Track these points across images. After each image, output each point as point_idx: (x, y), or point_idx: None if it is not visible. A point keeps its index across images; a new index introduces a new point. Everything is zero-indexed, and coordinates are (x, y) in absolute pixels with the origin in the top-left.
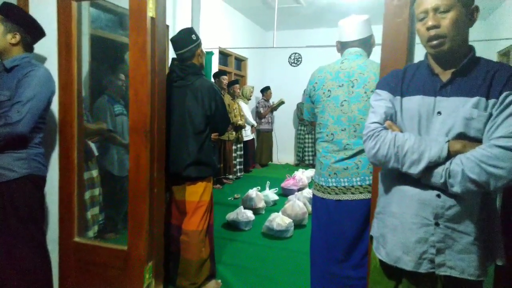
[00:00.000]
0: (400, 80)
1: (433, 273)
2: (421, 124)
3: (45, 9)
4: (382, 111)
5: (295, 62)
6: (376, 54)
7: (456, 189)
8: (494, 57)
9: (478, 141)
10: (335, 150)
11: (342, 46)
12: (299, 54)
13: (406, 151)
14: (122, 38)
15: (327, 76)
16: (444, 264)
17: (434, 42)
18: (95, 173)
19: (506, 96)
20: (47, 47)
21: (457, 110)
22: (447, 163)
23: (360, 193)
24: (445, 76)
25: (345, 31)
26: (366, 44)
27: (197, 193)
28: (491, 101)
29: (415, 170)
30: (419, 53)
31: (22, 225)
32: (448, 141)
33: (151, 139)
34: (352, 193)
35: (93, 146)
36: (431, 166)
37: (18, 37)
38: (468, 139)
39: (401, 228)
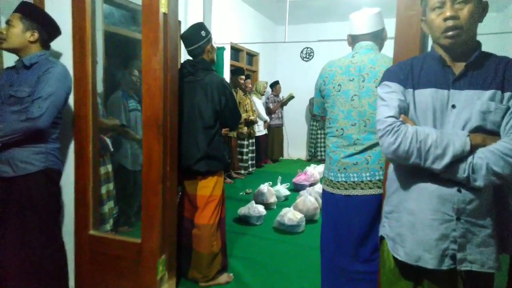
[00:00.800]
0: (409, 72)
1: (453, 269)
2: (436, 118)
3: (60, 6)
4: (395, 104)
5: (307, 56)
6: (388, 47)
7: (479, 183)
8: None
9: (494, 134)
10: (345, 145)
11: (353, 40)
12: (311, 49)
13: (429, 145)
14: (135, 34)
15: (337, 70)
16: (465, 259)
17: (451, 33)
18: (110, 167)
19: None
20: (62, 43)
21: (472, 103)
22: (470, 157)
23: (370, 188)
24: (457, 68)
25: (356, 24)
26: (377, 37)
27: (208, 187)
28: (507, 94)
29: (439, 165)
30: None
31: (38, 218)
32: (469, 134)
33: (163, 134)
34: (362, 188)
35: (108, 141)
36: (453, 161)
37: (36, 35)
38: (485, 132)
39: (421, 225)
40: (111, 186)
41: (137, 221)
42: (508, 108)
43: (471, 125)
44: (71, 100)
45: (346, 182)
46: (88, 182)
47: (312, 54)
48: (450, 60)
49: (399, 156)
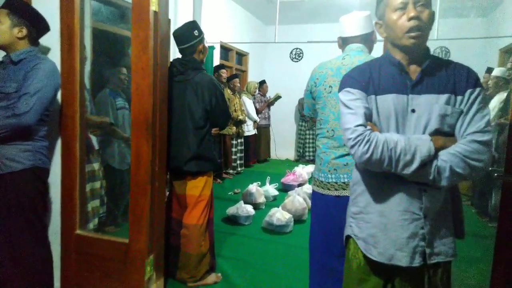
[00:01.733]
0: (369, 77)
1: (423, 264)
2: (398, 122)
3: (47, 2)
4: (362, 112)
5: (297, 57)
6: (377, 50)
7: (443, 183)
8: (496, 54)
9: (450, 135)
10: (336, 146)
11: (344, 42)
12: (301, 50)
13: (399, 153)
14: (123, 31)
15: (328, 72)
16: (433, 253)
17: (414, 33)
18: (96, 166)
19: (471, 93)
20: (50, 40)
21: (431, 107)
22: (435, 161)
23: None
24: (412, 73)
25: (346, 27)
26: (367, 40)
27: (198, 187)
28: (459, 98)
29: (409, 170)
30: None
31: (24, 217)
32: (431, 139)
33: (152, 133)
34: None
35: (93, 139)
36: (420, 165)
37: (24, 31)
38: (442, 134)
39: (392, 225)
40: (97, 184)
41: (124, 221)
42: (461, 111)
43: (430, 128)
44: (59, 97)
45: (336, 183)
46: (75, 181)
47: (301, 55)
48: (407, 64)
49: (372, 164)
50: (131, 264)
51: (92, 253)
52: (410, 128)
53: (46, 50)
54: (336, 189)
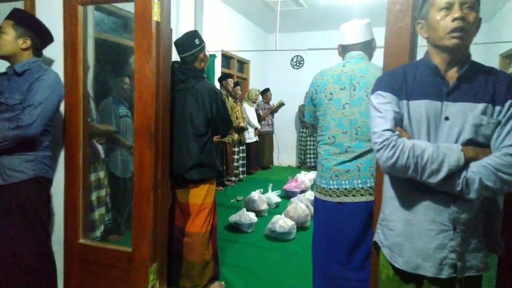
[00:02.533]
0: (402, 81)
1: (453, 277)
2: (430, 129)
3: (51, 13)
4: (391, 116)
5: (297, 64)
6: (377, 57)
7: (472, 195)
8: (496, 60)
9: (485, 146)
10: (337, 153)
11: (344, 50)
12: (301, 57)
13: (426, 161)
14: (126, 41)
15: (328, 79)
16: (465, 266)
17: (457, 34)
18: (102, 174)
19: (511, 105)
20: (53, 50)
21: (465, 115)
22: (464, 172)
23: (362, 195)
24: (451, 78)
25: (346, 35)
26: (367, 47)
27: (200, 195)
28: (497, 108)
29: (435, 179)
30: (421, 56)
31: (28, 226)
32: (462, 149)
33: (155, 141)
34: (354, 195)
35: (100, 148)
36: (448, 175)
37: (28, 42)
38: (476, 144)
39: (419, 235)
40: (102, 192)
41: (127, 229)
42: (499, 123)
43: (463, 138)
44: (62, 108)
45: (338, 189)
46: (78, 190)
47: (302, 62)
48: (444, 69)
49: (397, 170)
50: (134, 273)
51: (96, 261)
52: (442, 136)
53: (50, 61)
54: (338, 196)
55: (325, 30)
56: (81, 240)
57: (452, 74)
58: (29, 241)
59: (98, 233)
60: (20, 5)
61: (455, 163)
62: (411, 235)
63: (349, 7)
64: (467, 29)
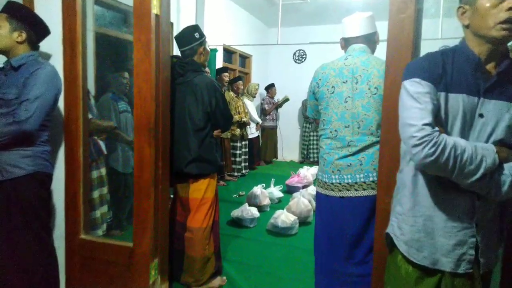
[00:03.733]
0: (441, 70)
1: (470, 272)
2: (464, 125)
3: (50, 7)
4: (431, 108)
5: (300, 59)
6: (380, 51)
7: (500, 197)
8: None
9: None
10: (339, 147)
11: (346, 43)
12: (304, 51)
13: (465, 161)
14: (126, 36)
15: (330, 72)
16: (487, 262)
17: (508, 26)
18: (103, 171)
19: None
20: (52, 44)
21: (500, 115)
22: (496, 173)
23: (364, 189)
24: (489, 74)
25: (349, 28)
26: (370, 40)
27: (200, 190)
28: None
29: (469, 180)
30: (425, 50)
31: (27, 222)
32: (497, 151)
33: (155, 136)
34: (356, 190)
35: (102, 144)
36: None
37: (24, 35)
38: (505, 145)
39: (440, 231)
40: (104, 190)
41: (129, 225)
42: None
43: (495, 137)
44: (61, 102)
45: (340, 183)
46: (79, 186)
47: (304, 56)
48: (484, 61)
49: (434, 168)
50: (135, 268)
51: (97, 257)
52: (473, 134)
53: (48, 55)
54: (340, 190)
55: (327, 24)
56: (82, 236)
57: (490, 69)
58: (28, 237)
59: (100, 232)
60: None
61: (491, 165)
62: (432, 231)
63: (351, 1)
64: None
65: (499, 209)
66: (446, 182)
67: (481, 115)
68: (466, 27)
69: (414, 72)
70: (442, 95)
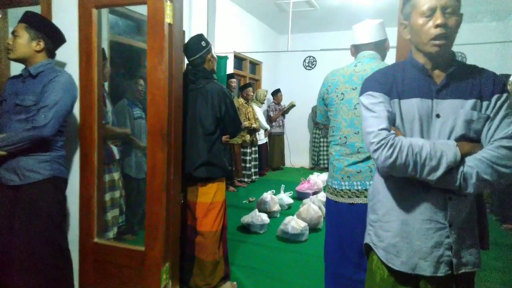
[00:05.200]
0: (392, 81)
1: (449, 274)
2: (422, 127)
3: (67, 16)
4: (385, 115)
5: (310, 65)
6: (391, 57)
7: (470, 190)
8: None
9: (476, 141)
10: (348, 153)
11: (356, 50)
12: (314, 58)
13: (424, 158)
14: (140, 44)
15: (340, 79)
16: (460, 262)
17: (439, 42)
18: (116, 175)
19: (498, 99)
20: (69, 53)
21: (456, 112)
22: (461, 167)
23: None
24: (437, 78)
25: (359, 35)
26: (380, 47)
27: (209, 194)
28: (485, 103)
29: (434, 176)
30: None
31: (44, 225)
32: (457, 144)
33: (167, 142)
34: (365, 197)
35: (114, 149)
36: (446, 171)
37: (42, 44)
38: (468, 140)
39: (416, 234)
40: (116, 194)
41: (141, 229)
42: (488, 117)
43: (456, 134)
44: (76, 109)
45: (349, 190)
46: (93, 190)
47: (314, 63)
48: (430, 69)
49: (396, 170)
50: (147, 272)
51: (109, 261)
52: (434, 134)
53: (64, 63)
54: (349, 197)
55: (337, 30)
56: (96, 240)
57: (438, 74)
58: (44, 241)
59: (111, 234)
60: (37, 9)
61: (452, 159)
62: (408, 235)
63: (361, 7)
64: (449, 35)
65: (473, 208)
66: (416, 184)
67: (437, 115)
68: (410, 41)
69: (367, 87)
70: (395, 102)
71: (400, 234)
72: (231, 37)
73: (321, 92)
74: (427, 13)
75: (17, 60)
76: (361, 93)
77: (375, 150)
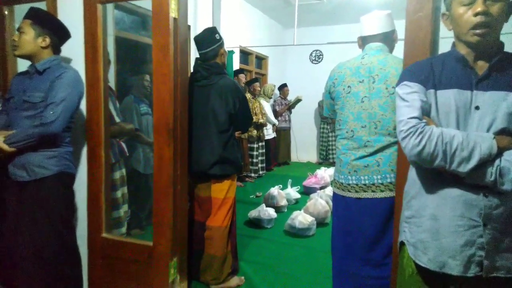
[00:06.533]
0: (430, 72)
1: (480, 276)
2: (459, 119)
3: (72, 12)
4: (418, 105)
5: (316, 59)
6: (399, 50)
7: (507, 186)
8: None
9: None
10: (355, 147)
11: (364, 42)
12: (320, 51)
13: (455, 148)
14: (146, 39)
15: (347, 72)
16: (493, 265)
17: (480, 30)
18: (124, 171)
19: None
20: (74, 49)
21: (497, 104)
22: (497, 161)
23: (381, 191)
24: (480, 69)
25: (366, 26)
26: (388, 39)
27: (223, 190)
28: None
29: (465, 168)
30: (443, 48)
31: (51, 221)
32: (495, 137)
33: (173, 137)
34: (373, 191)
35: (124, 146)
36: (479, 164)
37: (47, 40)
38: (509, 134)
39: (446, 231)
40: (126, 189)
41: (149, 224)
42: None
43: (496, 127)
44: (83, 105)
45: (357, 184)
46: (101, 185)
47: (321, 56)
48: (473, 60)
49: (424, 159)
50: (155, 267)
51: (118, 256)
52: (472, 126)
53: (71, 59)
54: (356, 191)
55: (344, 23)
56: (104, 235)
57: (482, 64)
58: (52, 236)
59: (123, 229)
60: (42, 5)
61: (487, 151)
62: (437, 231)
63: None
64: (492, 23)
65: None
66: (449, 178)
67: (477, 108)
68: (453, 32)
69: (403, 78)
70: (431, 92)
71: (429, 229)
72: (237, 31)
73: (328, 86)
74: (466, 2)
75: (23, 56)
76: (397, 84)
77: (403, 138)
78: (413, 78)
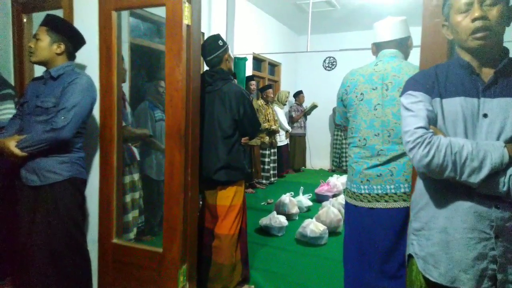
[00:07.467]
0: (434, 80)
1: None
2: (467, 128)
3: (88, 19)
4: (424, 114)
5: (330, 66)
6: (414, 57)
7: None
8: None
9: None
10: (368, 156)
11: (377, 48)
12: (334, 58)
13: (465, 158)
14: (161, 46)
15: (359, 79)
16: (507, 279)
17: (480, 34)
18: (136, 176)
19: None
20: (89, 55)
21: (506, 111)
22: (509, 170)
23: (395, 201)
24: (485, 75)
25: (380, 32)
26: (402, 45)
27: (228, 197)
28: None
29: (476, 179)
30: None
31: (64, 226)
32: (505, 145)
33: (185, 144)
34: (386, 201)
35: (135, 150)
36: (491, 174)
37: (62, 46)
38: None
39: (456, 244)
40: (136, 195)
41: (160, 230)
42: None
43: (506, 135)
44: (95, 110)
45: (369, 194)
46: (112, 191)
47: (335, 63)
48: (478, 66)
49: (433, 170)
50: (165, 273)
51: (128, 261)
52: (481, 135)
53: (84, 65)
54: (369, 201)
55: (358, 30)
56: (115, 240)
57: (487, 71)
58: (63, 240)
59: (131, 235)
60: (59, 12)
61: (498, 160)
62: (447, 244)
63: (383, 6)
64: (491, 27)
65: None
66: (459, 189)
67: (485, 115)
68: (454, 41)
69: (407, 87)
70: (437, 101)
71: (439, 243)
72: (250, 38)
73: (340, 93)
74: (463, 9)
75: (38, 63)
76: (401, 94)
77: (411, 149)
78: (418, 87)
